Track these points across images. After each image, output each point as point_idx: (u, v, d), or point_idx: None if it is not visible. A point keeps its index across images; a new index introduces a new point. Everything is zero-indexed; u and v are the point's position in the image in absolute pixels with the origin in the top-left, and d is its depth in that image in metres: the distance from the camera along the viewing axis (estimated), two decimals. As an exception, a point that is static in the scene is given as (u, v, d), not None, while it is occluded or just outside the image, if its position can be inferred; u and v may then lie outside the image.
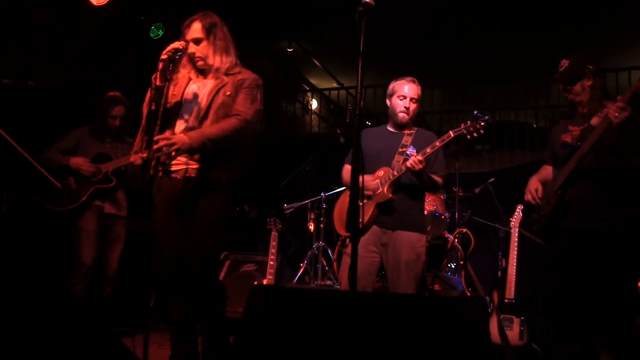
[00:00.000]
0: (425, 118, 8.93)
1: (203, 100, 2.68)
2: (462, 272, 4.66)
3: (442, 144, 3.09)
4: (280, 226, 4.84)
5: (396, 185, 3.16)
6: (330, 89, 11.08)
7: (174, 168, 2.66)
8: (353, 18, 2.21)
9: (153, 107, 2.58)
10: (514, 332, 3.72)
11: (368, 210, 3.14)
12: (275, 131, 9.64)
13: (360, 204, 3.00)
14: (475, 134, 3.06)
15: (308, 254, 5.41)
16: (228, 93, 2.66)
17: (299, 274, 5.27)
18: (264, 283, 4.54)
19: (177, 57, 2.63)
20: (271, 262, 4.58)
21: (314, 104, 11.52)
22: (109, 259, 4.04)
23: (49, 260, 4.05)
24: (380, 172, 3.20)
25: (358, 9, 2.20)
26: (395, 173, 3.12)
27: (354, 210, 2.14)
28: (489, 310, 3.86)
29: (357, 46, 2.18)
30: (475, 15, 8.05)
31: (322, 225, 5.46)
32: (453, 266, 4.85)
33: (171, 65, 2.59)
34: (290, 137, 9.45)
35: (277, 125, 10.12)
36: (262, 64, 9.55)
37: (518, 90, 8.90)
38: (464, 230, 4.88)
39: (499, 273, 4.78)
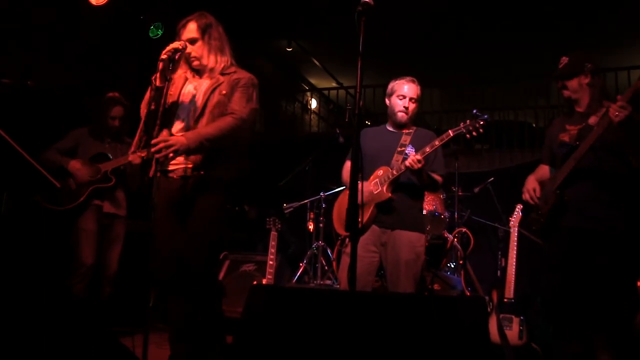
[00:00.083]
0: (424, 118, 8.94)
1: (199, 99, 2.69)
2: (462, 272, 4.66)
3: (441, 143, 3.09)
4: (279, 226, 4.84)
5: (395, 184, 3.16)
6: (329, 89, 11.08)
7: (171, 167, 2.66)
8: (352, 18, 2.21)
9: (153, 107, 2.60)
10: (513, 332, 3.72)
11: (367, 210, 3.14)
12: (275, 131, 9.64)
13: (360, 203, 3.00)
14: (474, 133, 3.06)
15: (307, 253, 5.41)
16: (224, 92, 2.68)
17: (298, 274, 5.27)
18: (264, 283, 4.54)
19: (176, 57, 2.64)
20: (270, 262, 4.58)
21: (314, 103, 11.52)
22: (109, 259, 4.04)
23: (49, 260, 4.05)
24: (380, 172, 3.20)
25: (357, 9, 2.20)
26: (394, 172, 3.12)
27: (353, 210, 2.14)
28: (489, 309, 3.86)
29: (357, 46, 2.18)
30: (475, 15, 8.05)
31: (321, 225, 5.47)
32: (452, 266, 4.85)
33: (171, 65, 2.61)
34: (290, 136, 9.45)
35: (277, 124, 10.12)
36: (261, 63, 9.56)
37: (518, 90, 8.89)
38: (464, 229, 4.89)
39: (499, 272, 4.78)
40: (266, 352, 2.32)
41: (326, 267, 5.35)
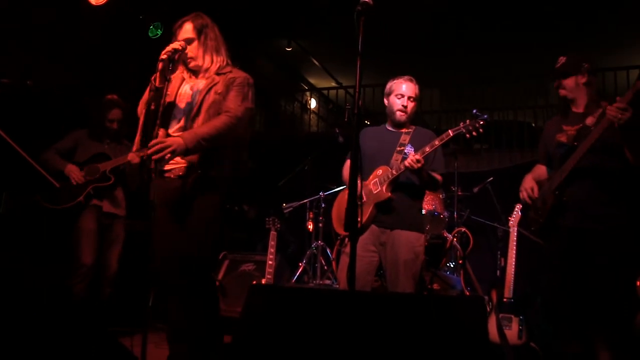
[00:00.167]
0: (424, 118, 8.94)
1: (195, 99, 2.70)
2: (461, 272, 4.66)
3: (441, 142, 3.09)
4: (279, 225, 4.84)
5: (395, 184, 3.16)
6: (329, 89, 11.09)
7: (168, 167, 2.67)
8: (352, 17, 2.21)
9: (152, 107, 2.61)
10: (512, 332, 3.72)
11: (367, 210, 3.13)
12: (275, 130, 9.64)
13: (359, 203, 3.01)
14: (474, 133, 3.05)
15: (307, 253, 5.41)
16: (219, 91, 2.69)
17: (297, 274, 5.27)
18: (263, 282, 4.54)
19: (176, 57, 2.65)
20: (270, 262, 4.58)
21: (313, 103, 11.53)
22: (109, 259, 4.04)
23: (49, 260, 4.05)
24: (379, 171, 3.19)
25: (356, 9, 2.20)
26: (393, 172, 3.12)
27: (352, 210, 2.14)
28: (488, 309, 3.87)
29: (356, 46, 2.18)
30: (475, 15, 8.06)
31: (320, 225, 5.47)
32: (452, 265, 4.85)
33: (170, 66, 2.62)
34: (289, 136, 9.45)
35: (276, 124, 10.12)
36: (261, 63, 9.57)
37: (517, 90, 8.90)
38: (463, 229, 4.88)
39: (498, 272, 4.78)
40: (265, 352, 2.32)
41: (325, 267, 5.35)
